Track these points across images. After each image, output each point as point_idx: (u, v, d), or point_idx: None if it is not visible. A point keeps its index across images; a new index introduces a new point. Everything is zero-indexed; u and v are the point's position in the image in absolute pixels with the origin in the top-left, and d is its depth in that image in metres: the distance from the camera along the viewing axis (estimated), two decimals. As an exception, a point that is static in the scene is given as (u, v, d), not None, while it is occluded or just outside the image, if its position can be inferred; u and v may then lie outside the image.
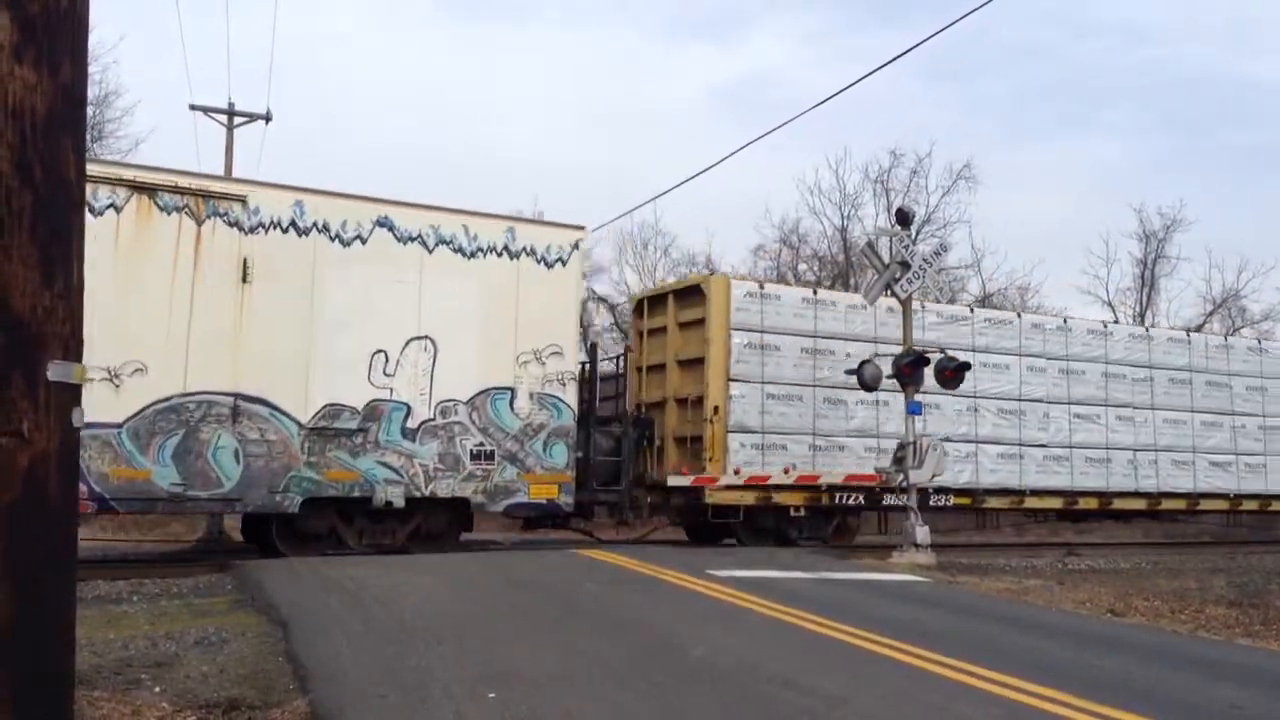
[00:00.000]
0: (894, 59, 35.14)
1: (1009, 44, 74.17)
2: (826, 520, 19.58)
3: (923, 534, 16.79)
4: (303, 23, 69.49)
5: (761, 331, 18.89)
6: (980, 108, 73.68)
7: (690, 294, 19.48)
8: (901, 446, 17.26)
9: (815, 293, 20.35)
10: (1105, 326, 23.58)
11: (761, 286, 19.77)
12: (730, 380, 18.47)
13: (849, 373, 17.88)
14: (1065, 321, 23.09)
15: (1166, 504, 23.31)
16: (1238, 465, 23.84)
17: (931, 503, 19.63)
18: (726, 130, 73.20)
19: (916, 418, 17.28)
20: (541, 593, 11.00)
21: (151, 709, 6.21)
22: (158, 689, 6.78)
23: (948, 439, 19.44)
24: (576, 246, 16.80)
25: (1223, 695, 7.09)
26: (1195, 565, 17.64)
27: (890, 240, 18.66)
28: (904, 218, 18.85)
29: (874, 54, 76.56)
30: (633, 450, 17.65)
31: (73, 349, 3.58)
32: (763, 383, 18.76)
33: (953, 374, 17.59)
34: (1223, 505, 24.19)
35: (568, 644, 8.31)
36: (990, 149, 71.00)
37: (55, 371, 3.50)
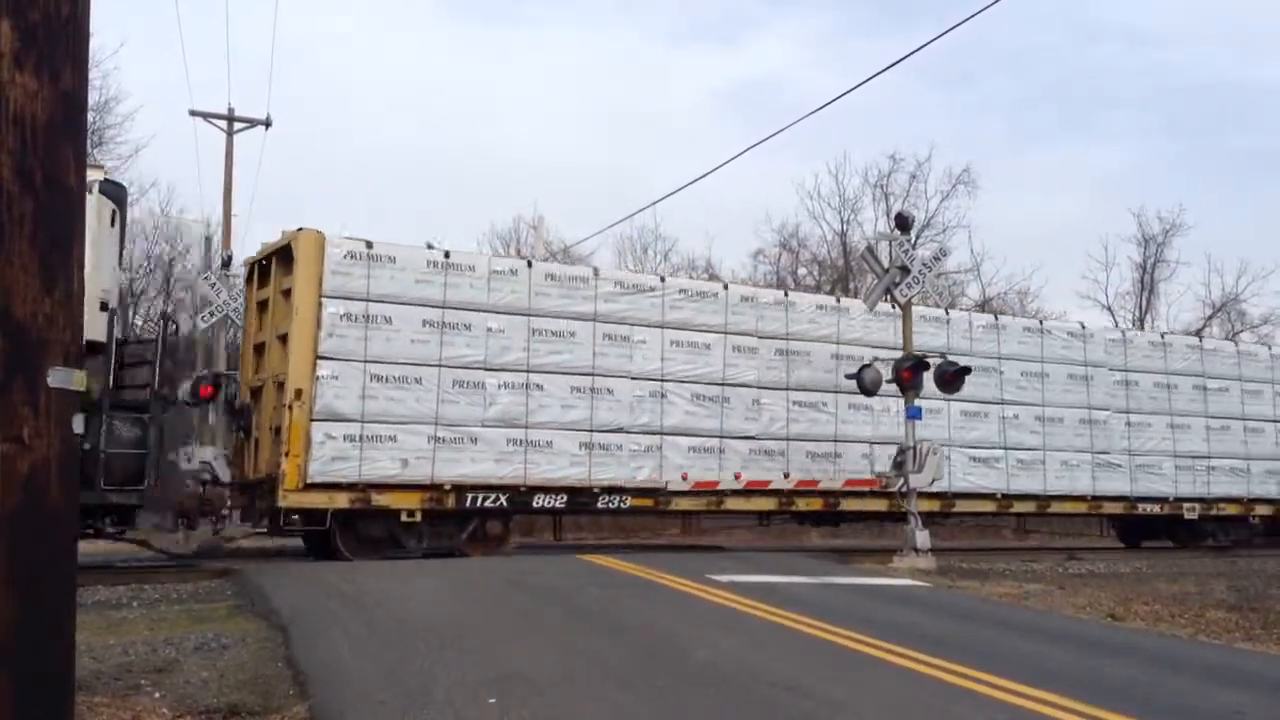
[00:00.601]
0: (892, 65, 35.20)
1: (1011, 49, 74.29)
2: (459, 526, 16.33)
3: (923, 538, 16.80)
4: (302, 25, 69.58)
5: (367, 300, 15.68)
6: (982, 113, 73.79)
7: (288, 256, 16.07)
8: (901, 451, 17.27)
9: (447, 256, 16.69)
10: (839, 301, 20.87)
11: (370, 246, 15.95)
12: (319, 358, 15.31)
13: (849, 377, 17.85)
14: (787, 295, 20.06)
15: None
16: (1007, 461, 20.87)
17: (601, 504, 17.36)
18: (730, 134, 73.31)
19: (917, 420, 17.25)
20: (542, 596, 11.00)
21: (151, 714, 6.21)
22: (157, 694, 6.77)
23: (622, 429, 17.24)
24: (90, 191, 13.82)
25: (1224, 699, 7.09)
26: (1195, 569, 17.63)
27: (890, 245, 18.74)
28: (903, 222, 18.87)
29: (879, 58, 76.73)
30: (158, 444, 14.14)
31: (73, 356, 3.58)
32: (365, 361, 15.54)
33: (953, 377, 17.59)
34: (989, 506, 21.39)
35: (569, 647, 8.31)
36: (992, 154, 71.09)
37: (56, 378, 3.50)
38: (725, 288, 19.46)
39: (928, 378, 17.33)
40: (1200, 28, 76.01)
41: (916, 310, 19.13)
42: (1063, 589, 13.69)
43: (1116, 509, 22.41)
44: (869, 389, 17.57)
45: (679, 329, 18.07)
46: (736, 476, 18.06)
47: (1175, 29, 77.11)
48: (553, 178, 67.38)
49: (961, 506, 20.86)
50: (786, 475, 18.52)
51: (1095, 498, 21.80)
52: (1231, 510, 23.28)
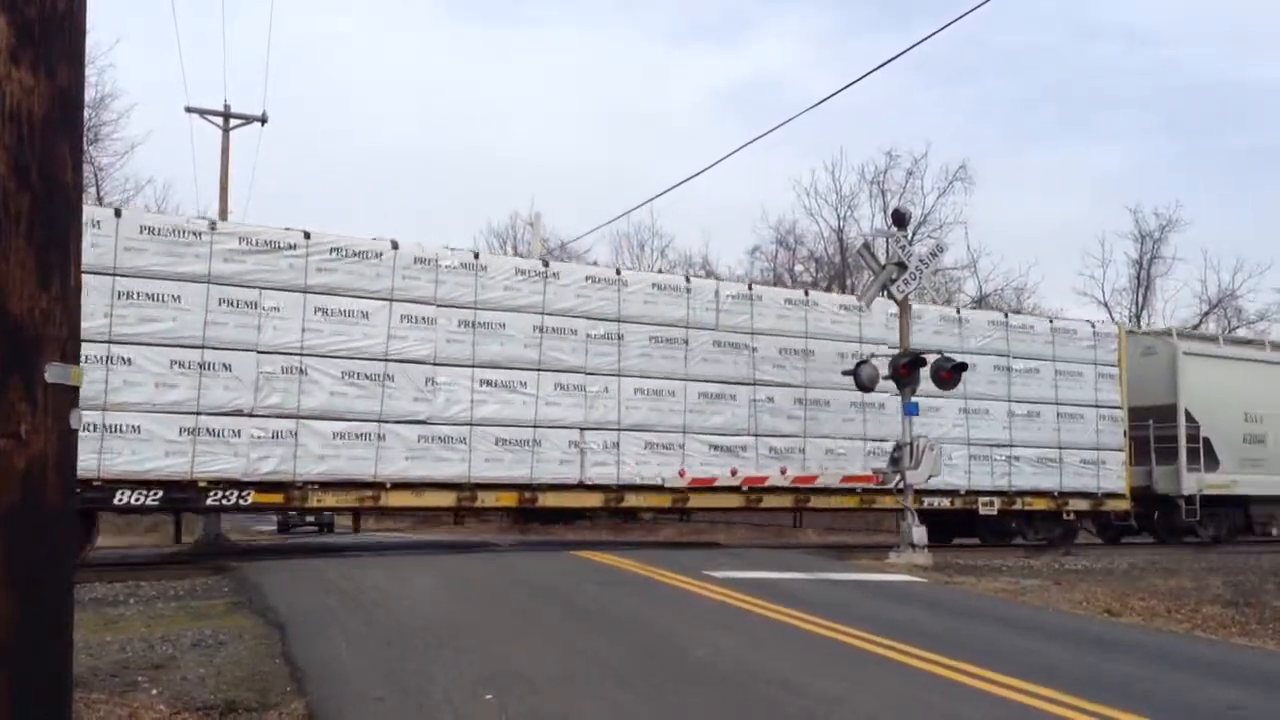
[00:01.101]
0: (887, 61, 35.19)
1: (1010, 48, 74.27)
2: None
3: (919, 534, 16.80)
4: (301, 24, 69.44)
5: None
6: (981, 111, 73.78)
7: None
8: (898, 447, 17.26)
9: None
10: (547, 267, 17.71)
11: None
12: None
13: (846, 373, 17.85)
14: (478, 258, 17.15)
15: (633, 500, 17.77)
16: (758, 449, 18.38)
17: (211, 501, 14.96)
18: (729, 133, 73.45)
19: (915, 417, 17.25)
20: (540, 593, 11.00)
21: (149, 711, 6.20)
22: (155, 691, 6.77)
23: (241, 412, 14.98)
24: None
25: (1220, 695, 7.10)
26: (1191, 565, 17.65)
27: (886, 241, 18.69)
28: (900, 219, 18.86)
29: (879, 58, 76.59)
30: None
31: (70, 352, 3.57)
32: None
33: (949, 374, 17.60)
34: (734, 502, 18.68)
35: (567, 644, 8.31)
36: (990, 152, 71.15)
37: (53, 374, 3.49)
38: (395, 247, 16.23)
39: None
40: (1200, 27, 76.07)
41: (639, 278, 17.82)
42: (1059, 585, 13.71)
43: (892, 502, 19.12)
44: (866, 385, 17.57)
45: (327, 294, 15.59)
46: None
47: (1175, 29, 77.17)
48: (551, 177, 67.47)
49: (695, 501, 18.56)
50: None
51: (868, 491, 19.21)
52: (1040, 505, 21.24)
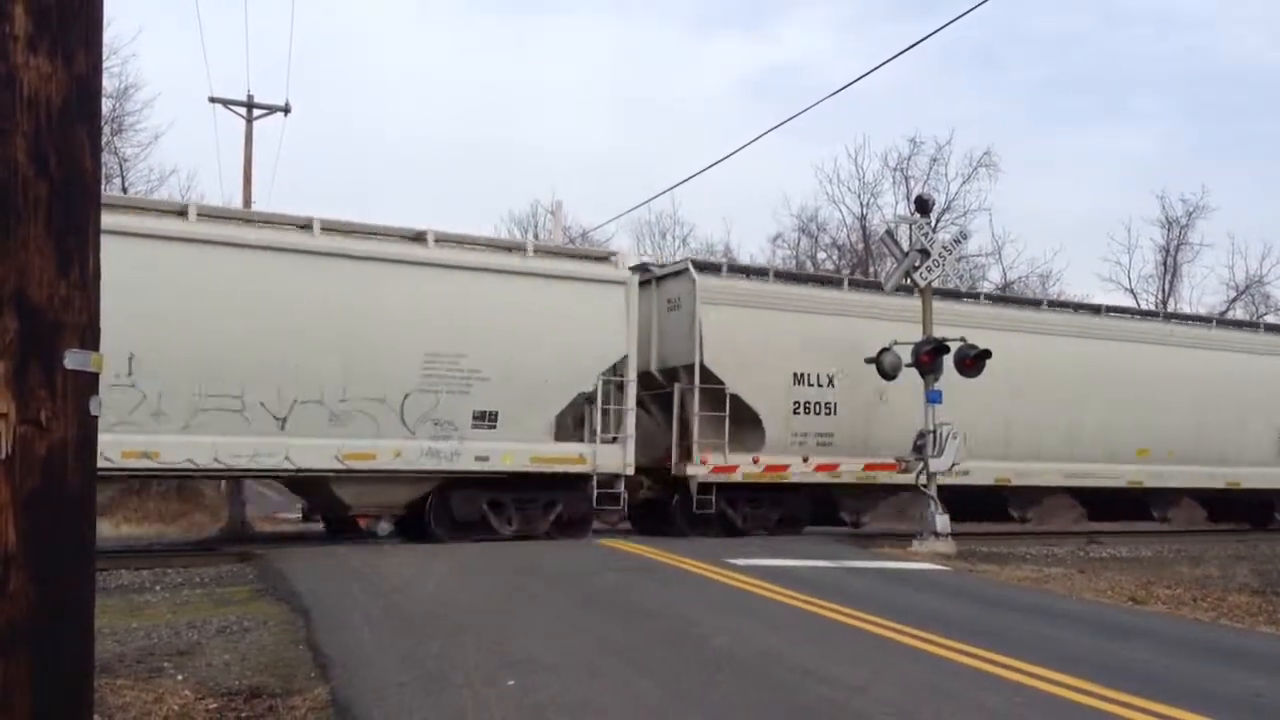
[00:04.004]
0: (909, 47, 34.91)
1: (1038, 32, 73.60)
2: None
3: (943, 522, 16.72)
4: (324, 13, 69.63)
5: None
6: (1007, 97, 73.17)
7: None
8: (922, 435, 17.17)
9: None
10: None
11: None
12: None
13: (869, 361, 17.75)
14: None
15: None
16: None
17: None
18: (753, 121, 73.18)
19: (937, 406, 17.16)
20: (560, 581, 11.02)
21: (174, 696, 6.26)
22: (180, 676, 6.83)
23: None
24: None
25: (1245, 682, 7.04)
26: (1218, 553, 17.51)
27: (910, 228, 18.57)
28: (923, 205, 18.74)
29: (905, 43, 76.02)
30: None
31: (90, 338, 3.59)
32: None
33: (972, 362, 17.50)
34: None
35: (587, 632, 8.33)
36: (1016, 138, 70.53)
37: (72, 360, 3.51)
38: None
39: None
40: (1232, 11, 75.06)
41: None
42: (1083, 573, 13.63)
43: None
44: (888, 373, 17.46)
45: None
46: None
47: (1206, 13, 76.19)
48: (572, 165, 67.39)
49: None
50: None
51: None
52: None
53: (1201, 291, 77.57)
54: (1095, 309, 22.72)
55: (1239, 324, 27.25)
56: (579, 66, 76.36)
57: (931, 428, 16.97)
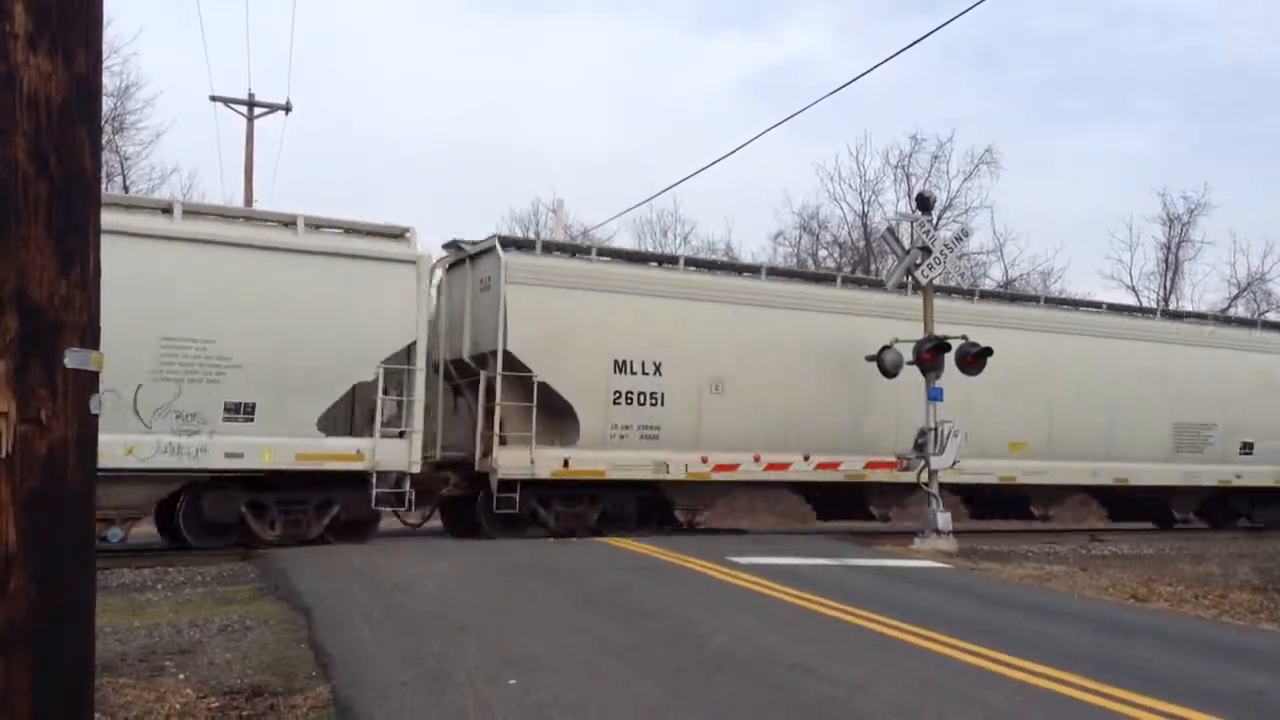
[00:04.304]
0: (910, 45, 34.89)
1: (1039, 32, 73.49)
2: None
3: (944, 520, 16.71)
4: (325, 11, 69.58)
5: None
6: (1009, 95, 73.08)
7: None
8: (923, 433, 17.15)
9: None
10: None
11: None
12: None
13: (870, 359, 17.74)
14: None
15: None
16: None
17: None
18: (754, 119, 72.95)
19: (938, 404, 17.15)
20: (560, 580, 11.02)
21: (176, 695, 6.26)
22: (182, 675, 6.83)
23: None
24: None
25: (1246, 680, 7.04)
26: (1219, 551, 17.50)
27: (911, 225, 18.55)
28: (925, 203, 18.73)
29: (907, 42, 75.92)
30: None
31: (90, 338, 3.59)
32: None
33: (974, 360, 17.49)
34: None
35: (588, 630, 8.32)
36: (1017, 136, 70.38)
37: (73, 359, 3.51)
38: None
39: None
40: (1233, 11, 74.93)
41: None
42: (1085, 571, 13.62)
43: None
44: (890, 371, 17.45)
45: None
46: None
47: (1207, 12, 76.06)
48: (573, 163, 67.30)
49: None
50: None
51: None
52: None
53: (1203, 289, 77.54)
54: (969, 293, 21.40)
55: (1131, 309, 25.23)
56: (579, 66, 76.28)
57: (933, 425, 16.95)
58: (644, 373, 16.60)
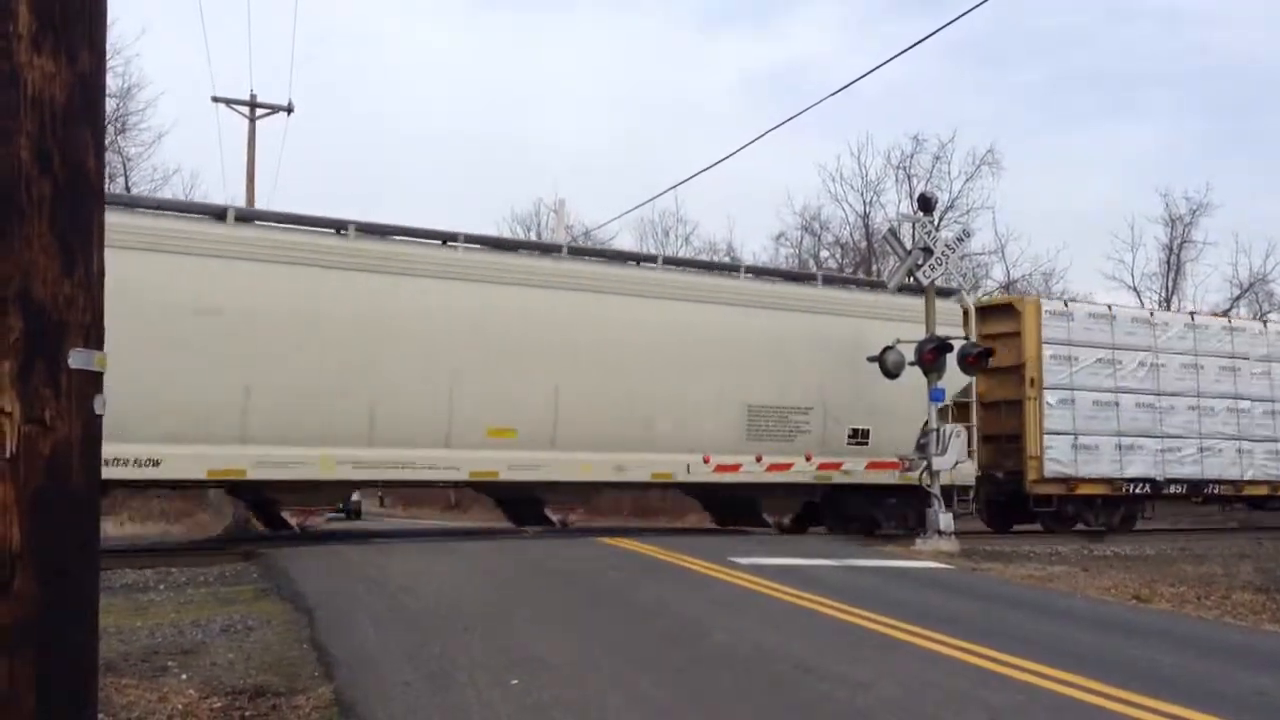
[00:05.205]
0: (912, 45, 34.86)
1: (1043, 30, 73.47)
2: None
3: (946, 521, 16.70)
4: (327, 12, 69.62)
5: None
6: (1011, 95, 73.06)
7: None
8: (925, 433, 17.14)
9: None
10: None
11: None
12: None
13: (871, 359, 17.72)
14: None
15: None
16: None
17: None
18: (757, 119, 73.12)
19: (936, 405, 17.14)
20: (563, 580, 11.03)
21: (178, 695, 6.26)
22: (184, 676, 6.84)
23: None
24: None
25: (1248, 681, 7.03)
26: (1221, 551, 17.48)
27: (913, 226, 18.55)
28: (926, 203, 18.73)
29: (911, 41, 75.84)
30: None
31: (94, 338, 3.58)
32: None
33: (975, 359, 17.48)
34: None
35: (590, 631, 8.33)
36: (1019, 136, 70.45)
37: (77, 359, 3.50)
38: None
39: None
40: (1236, 8, 74.89)
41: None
42: (1087, 571, 13.61)
43: None
44: (892, 371, 17.43)
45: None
46: None
47: (1210, 9, 76.04)
48: (576, 163, 67.30)
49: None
50: None
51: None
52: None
53: (1206, 289, 77.36)
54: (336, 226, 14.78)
55: (683, 262, 21.18)
56: (583, 65, 76.26)
57: (935, 425, 16.95)
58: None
